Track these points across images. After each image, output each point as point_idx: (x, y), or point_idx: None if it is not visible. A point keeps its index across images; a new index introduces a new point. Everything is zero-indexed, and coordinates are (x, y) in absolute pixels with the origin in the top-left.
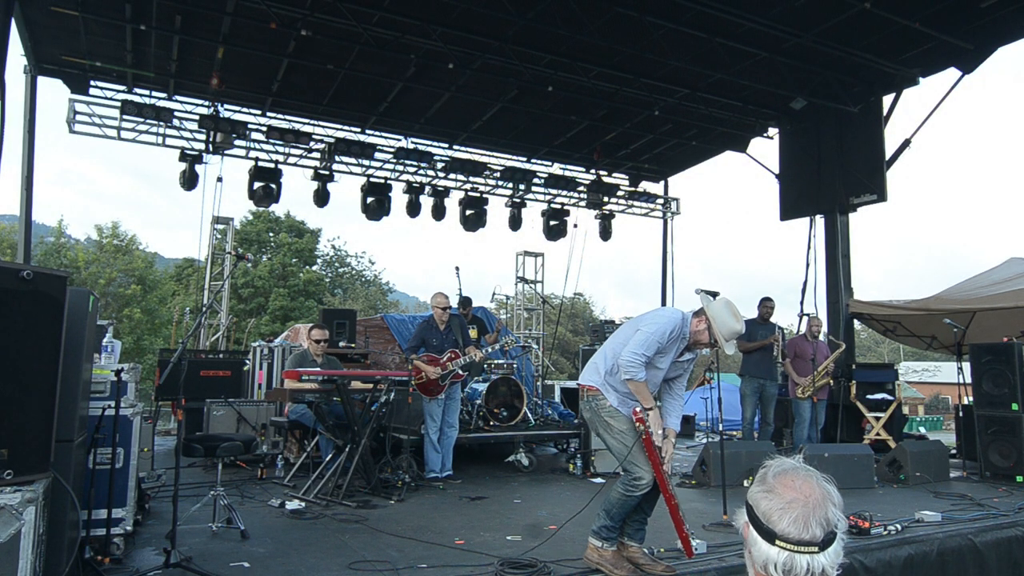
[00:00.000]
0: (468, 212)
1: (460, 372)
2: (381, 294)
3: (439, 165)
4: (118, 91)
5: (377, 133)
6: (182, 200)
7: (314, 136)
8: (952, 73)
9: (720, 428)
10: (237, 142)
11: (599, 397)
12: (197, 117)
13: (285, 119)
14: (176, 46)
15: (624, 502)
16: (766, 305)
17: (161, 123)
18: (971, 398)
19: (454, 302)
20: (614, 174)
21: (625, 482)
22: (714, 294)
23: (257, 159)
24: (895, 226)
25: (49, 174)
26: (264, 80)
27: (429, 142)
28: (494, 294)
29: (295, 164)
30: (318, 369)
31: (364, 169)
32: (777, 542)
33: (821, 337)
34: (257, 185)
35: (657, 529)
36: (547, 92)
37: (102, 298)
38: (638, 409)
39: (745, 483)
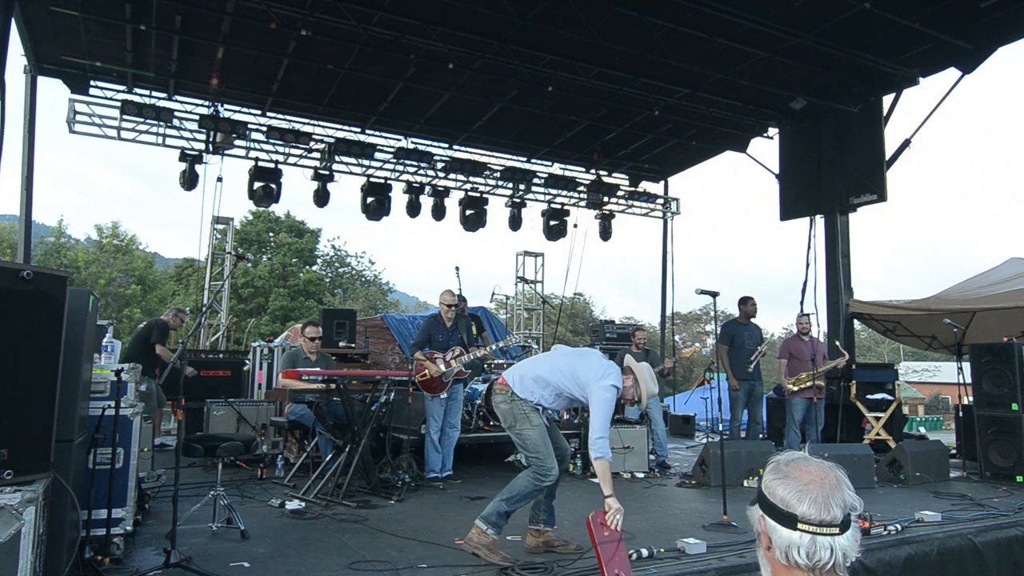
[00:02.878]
0: (468, 212)
1: (464, 370)
2: (381, 294)
3: (439, 165)
4: (118, 91)
5: (377, 133)
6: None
7: (314, 136)
8: (952, 73)
9: (720, 428)
10: (237, 142)
11: (521, 396)
12: (197, 117)
13: (285, 119)
14: (176, 46)
15: (532, 491)
16: (748, 303)
17: (161, 123)
18: (971, 398)
19: None
20: (614, 174)
21: (536, 470)
22: (714, 294)
23: (257, 159)
24: (895, 226)
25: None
26: (264, 80)
27: (429, 142)
28: (494, 294)
29: (295, 164)
30: (317, 369)
31: (364, 169)
32: (799, 525)
33: (816, 335)
34: (257, 185)
35: (657, 529)
36: (547, 92)
37: (102, 298)
38: (590, 517)
39: (745, 483)
